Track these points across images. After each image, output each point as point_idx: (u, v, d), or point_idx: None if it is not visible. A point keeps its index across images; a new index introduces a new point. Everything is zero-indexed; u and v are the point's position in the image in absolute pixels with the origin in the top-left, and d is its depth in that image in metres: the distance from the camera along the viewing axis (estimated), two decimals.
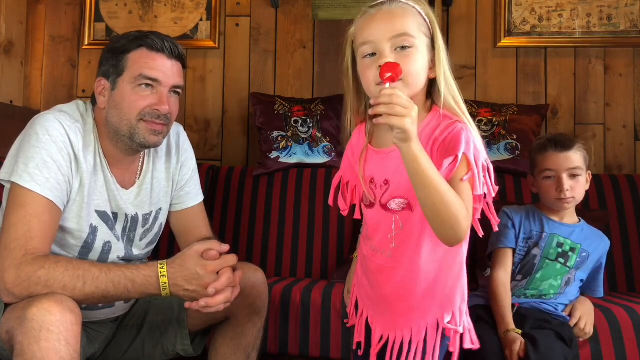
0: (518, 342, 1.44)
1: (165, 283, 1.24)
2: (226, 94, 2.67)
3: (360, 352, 1.22)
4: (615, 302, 1.72)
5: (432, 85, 1.09)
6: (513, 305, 1.57)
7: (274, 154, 2.32)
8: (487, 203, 1.07)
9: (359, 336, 1.22)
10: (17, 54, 2.72)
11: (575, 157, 1.60)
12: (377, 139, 1.14)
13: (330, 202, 1.21)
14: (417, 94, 1.06)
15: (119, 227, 1.44)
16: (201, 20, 2.67)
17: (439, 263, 1.09)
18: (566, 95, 2.49)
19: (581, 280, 1.66)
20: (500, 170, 2.25)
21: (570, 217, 1.67)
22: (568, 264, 1.62)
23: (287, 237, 2.21)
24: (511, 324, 1.51)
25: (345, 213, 1.21)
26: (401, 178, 1.03)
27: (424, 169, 0.94)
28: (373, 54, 1.05)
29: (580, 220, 1.69)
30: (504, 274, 1.61)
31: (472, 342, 1.12)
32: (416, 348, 1.10)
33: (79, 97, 2.69)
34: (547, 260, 1.62)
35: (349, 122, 1.18)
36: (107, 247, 1.42)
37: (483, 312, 1.58)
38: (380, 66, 1.00)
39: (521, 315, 1.55)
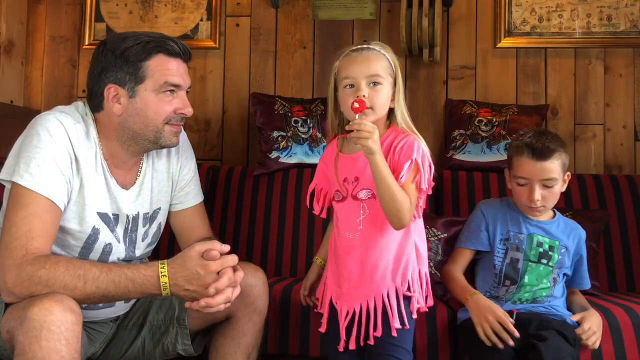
0: (497, 308, 1.51)
1: (166, 283, 1.25)
2: (226, 94, 2.67)
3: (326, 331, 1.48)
4: (615, 302, 1.72)
5: (390, 112, 1.47)
6: (512, 312, 1.53)
7: (274, 154, 2.32)
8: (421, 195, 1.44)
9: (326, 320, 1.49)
10: (18, 54, 2.72)
11: (552, 167, 1.54)
12: (347, 148, 1.50)
13: (308, 204, 1.58)
14: (381, 118, 1.45)
15: (120, 229, 1.44)
16: (201, 20, 2.67)
17: (397, 242, 1.42)
18: (566, 96, 2.49)
19: (565, 275, 1.66)
20: (500, 170, 2.25)
21: (545, 213, 1.66)
22: (550, 264, 1.61)
23: (287, 237, 2.21)
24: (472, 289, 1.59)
25: (317, 213, 1.56)
26: (368, 174, 1.37)
27: (383, 174, 1.33)
28: (352, 86, 1.41)
29: (555, 214, 1.68)
30: (457, 271, 1.67)
31: (426, 301, 1.44)
32: (382, 311, 1.39)
33: (79, 97, 2.71)
34: (530, 263, 1.61)
35: (329, 129, 1.55)
36: (107, 249, 1.42)
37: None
38: (353, 102, 1.36)
39: (522, 319, 1.52)
